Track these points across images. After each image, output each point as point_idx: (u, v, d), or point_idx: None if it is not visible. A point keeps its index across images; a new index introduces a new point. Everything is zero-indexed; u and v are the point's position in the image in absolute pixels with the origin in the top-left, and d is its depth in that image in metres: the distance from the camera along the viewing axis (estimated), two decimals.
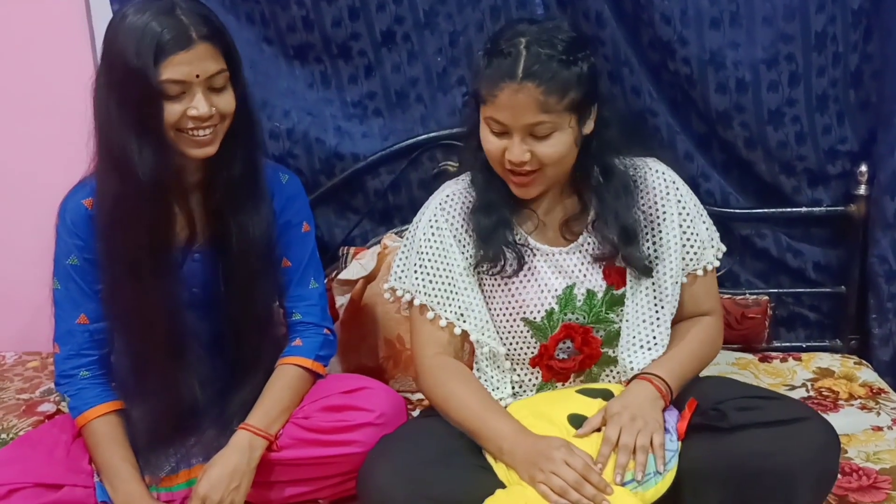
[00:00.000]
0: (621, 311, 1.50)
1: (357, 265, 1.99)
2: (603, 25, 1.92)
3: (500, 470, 1.35)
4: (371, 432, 1.48)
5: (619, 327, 1.50)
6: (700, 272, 1.53)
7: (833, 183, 2.02)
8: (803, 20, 1.86)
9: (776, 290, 2.09)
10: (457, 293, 1.49)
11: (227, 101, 1.42)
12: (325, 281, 1.73)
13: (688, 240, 1.51)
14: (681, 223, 1.50)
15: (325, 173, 2.07)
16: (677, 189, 1.51)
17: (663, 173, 1.52)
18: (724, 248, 1.57)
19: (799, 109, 1.93)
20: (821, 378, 1.95)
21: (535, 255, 1.50)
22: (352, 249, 2.06)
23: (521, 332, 1.50)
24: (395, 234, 2.04)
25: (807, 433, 1.31)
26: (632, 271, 1.49)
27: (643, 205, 1.50)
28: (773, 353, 2.07)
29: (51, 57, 2.09)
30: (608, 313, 1.50)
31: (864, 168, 1.96)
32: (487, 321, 1.50)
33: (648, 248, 1.50)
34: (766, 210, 2.04)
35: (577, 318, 1.49)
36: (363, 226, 2.12)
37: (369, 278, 1.96)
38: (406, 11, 1.95)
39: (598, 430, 1.37)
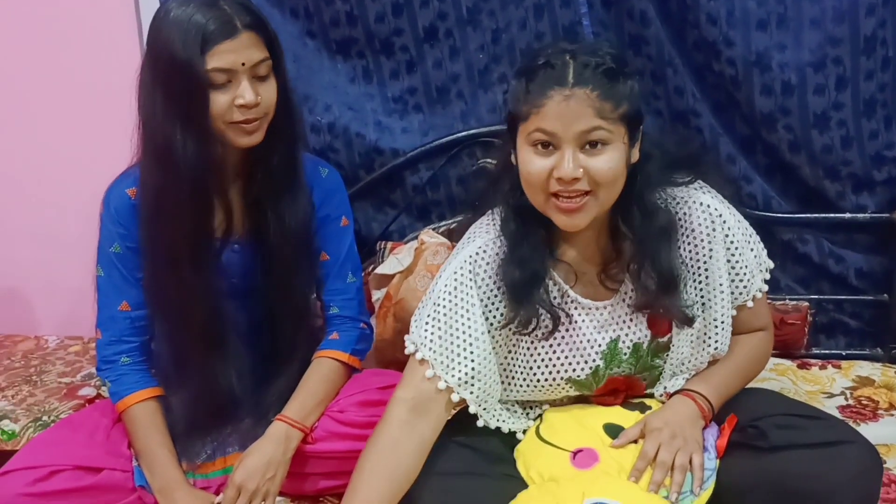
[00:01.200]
0: (667, 355, 1.43)
1: (394, 260, 2.00)
2: (647, 24, 1.90)
3: (529, 478, 1.34)
4: None
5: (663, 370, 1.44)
6: (750, 303, 1.44)
7: (878, 189, 1.98)
8: (852, 23, 1.83)
9: (817, 297, 2.05)
10: (465, 358, 1.34)
11: (270, 90, 1.44)
12: (363, 275, 1.74)
13: (737, 274, 1.40)
14: (728, 258, 1.39)
15: (365, 168, 2.07)
16: (724, 222, 1.37)
17: (708, 206, 1.37)
18: (771, 265, 1.47)
19: (845, 113, 1.90)
20: (860, 387, 1.92)
21: (575, 309, 1.39)
22: (389, 244, 2.07)
23: (564, 388, 1.43)
24: (433, 229, 2.04)
25: (849, 457, 1.27)
26: (674, 322, 1.39)
27: (687, 246, 1.38)
28: (812, 360, 2.04)
29: (99, 48, 2.13)
30: (654, 360, 1.43)
31: None
32: (493, 394, 1.39)
33: (694, 292, 1.39)
34: (808, 215, 2.01)
35: (623, 371, 1.42)
36: (401, 221, 2.13)
37: (406, 273, 1.96)
38: (449, 7, 1.95)
39: (635, 442, 1.34)
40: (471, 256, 1.37)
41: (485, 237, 1.38)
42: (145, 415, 1.52)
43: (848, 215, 1.99)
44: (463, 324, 1.35)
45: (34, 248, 2.30)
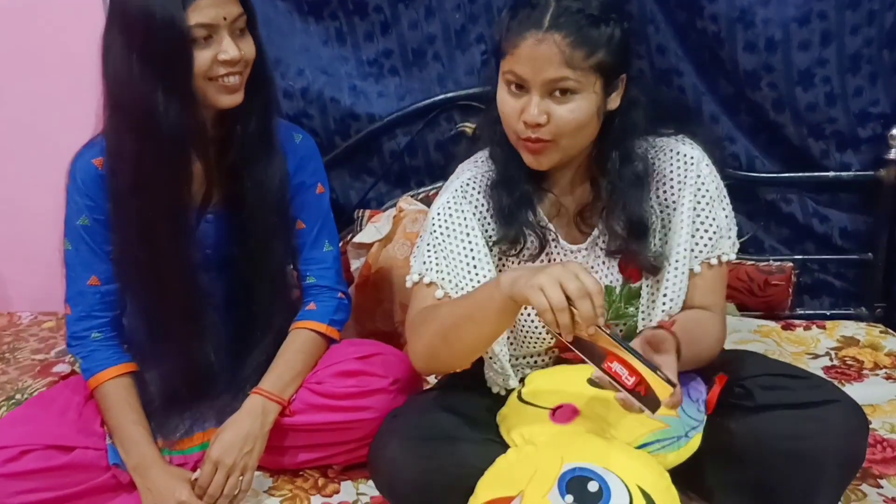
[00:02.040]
0: (639, 302, 1.42)
1: (372, 228, 1.96)
2: None
3: (511, 440, 1.33)
4: (384, 398, 1.47)
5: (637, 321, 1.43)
6: (714, 261, 1.40)
7: (863, 147, 1.96)
8: None
9: (801, 257, 2.04)
10: (474, 269, 1.38)
11: (250, 46, 1.42)
12: (340, 244, 1.70)
13: (702, 223, 1.39)
14: (695, 206, 1.38)
15: (340, 134, 2.03)
16: (699, 172, 1.38)
17: (685, 155, 1.38)
18: (738, 244, 1.44)
19: (830, 70, 1.87)
20: (845, 347, 1.91)
21: (553, 249, 1.42)
22: (367, 212, 2.04)
23: (536, 326, 1.43)
24: (411, 196, 2.01)
25: (835, 417, 1.26)
26: (641, 269, 1.39)
27: (659, 193, 1.39)
28: (797, 321, 2.04)
29: (59, 12, 2.07)
30: (627, 307, 1.43)
31: (895, 132, 1.90)
32: None
33: (658, 244, 1.39)
34: (793, 174, 1.99)
35: None
36: (379, 188, 2.09)
37: (385, 242, 1.93)
38: None
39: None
40: (462, 185, 1.41)
41: (473, 169, 1.43)
42: (118, 391, 1.49)
43: (832, 174, 1.98)
44: (463, 242, 1.39)
45: (5, 222, 2.26)
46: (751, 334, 1.96)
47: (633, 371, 1.11)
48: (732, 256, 1.42)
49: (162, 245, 1.44)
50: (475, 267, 1.38)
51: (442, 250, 1.39)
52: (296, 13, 1.98)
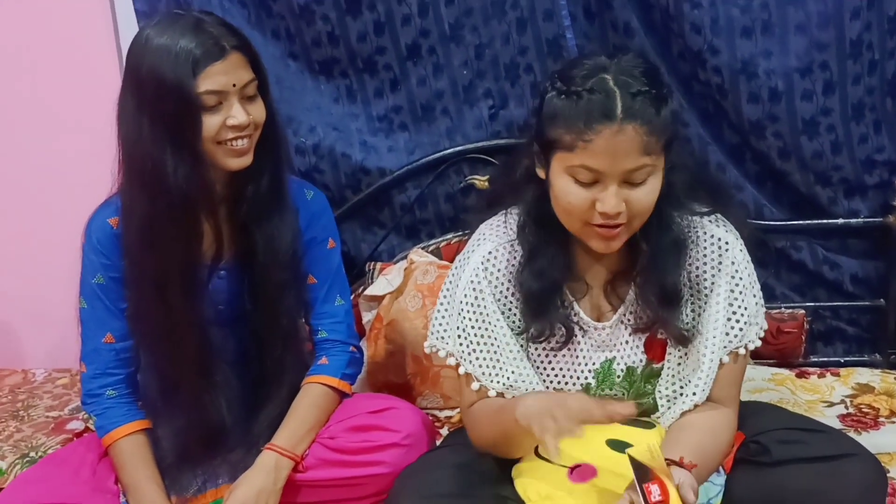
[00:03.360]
0: (657, 381, 1.39)
1: (384, 280, 1.97)
2: (631, 35, 1.89)
3: (527, 498, 1.32)
4: (398, 453, 1.47)
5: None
6: (742, 350, 1.36)
7: (870, 193, 1.97)
8: (838, 28, 1.81)
9: (813, 304, 2.03)
10: (504, 365, 1.36)
11: (259, 110, 1.44)
12: (352, 297, 1.71)
13: (734, 312, 1.35)
14: (728, 295, 1.34)
15: (352, 188, 2.06)
16: (733, 259, 1.34)
17: (719, 239, 1.34)
18: (766, 326, 1.40)
19: (834, 118, 1.88)
20: (860, 394, 1.89)
21: (576, 325, 1.38)
22: (378, 265, 2.05)
23: (564, 388, 1.41)
24: (422, 248, 2.02)
25: (853, 471, 1.25)
26: (669, 340, 1.36)
27: (691, 270, 1.35)
28: (811, 369, 2.02)
29: (78, 74, 2.11)
30: (646, 386, 1.40)
31: None
32: (540, 387, 1.38)
33: (689, 317, 1.35)
34: (801, 222, 1.99)
35: (616, 394, 1.39)
36: (390, 241, 2.11)
37: (396, 294, 1.94)
38: (431, 24, 1.94)
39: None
40: (483, 261, 1.37)
41: (495, 240, 1.38)
42: (132, 448, 1.49)
43: (841, 221, 1.98)
44: (492, 335, 1.36)
45: (20, 279, 2.28)
46: (765, 382, 1.94)
47: (665, 492, 1.12)
48: (758, 343, 1.38)
49: (175, 301, 1.45)
50: (506, 359, 1.37)
51: (472, 340, 1.37)
52: (307, 72, 2.01)
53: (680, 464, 1.21)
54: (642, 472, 1.14)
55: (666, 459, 1.19)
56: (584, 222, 1.25)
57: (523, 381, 1.36)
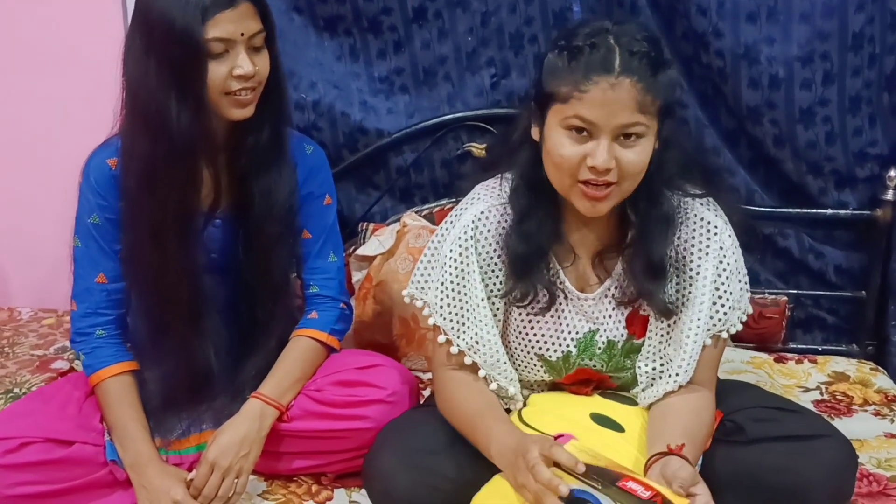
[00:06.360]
0: (637, 357, 1.41)
1: (375, 241, 1.99)
2: (637, 13, 1.89)
3: None
4: (382, 409, 1.48)
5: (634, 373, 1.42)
6: (724, 334, 1.37)
7: (860, 186, 1.99)
8: (841, 19, 1.83)
9: (795, 291, 2.07)
10: (470, 324, 1.38)
11: (265, 62, 1.44)
12: (344, 256, 1.73)
13: (720, 297, 1.35)
14: (715, 279, 1.35)
15: (349, 148, 2.06)
16: (721, 244, 1.35)
17: (709, 222, 1.35)
18: (750, 311, 1.41)
19: (831, 109, 1.90)
20: (835, 382, 1.93)
21: (562, 293, 1.39)
22: (371, 225, 2.06)
23: (535, 365, 1.44)
24: (415, 212, 2.03)
25: (824, 451, 1.28)
26: (653, 313, 1.37)
27: (679, 248, 1.35)
28: (789, 355, 2.05)
29: (79, 15, 2.09)
30: (625, 360, 1.42)
31: (892, 173, 1.94)
32: (500, 358, 1.39)
33: (671, 293, 1.36)
34: (790, 210, 2.02)
35: (595, 365, 1.42)
36: (383, 202, 2.12)
37: (387, 255, 1.96)
38: None
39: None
40: (473, 220, 1.37)
41: (488, 201, 1.39)
42: (119, 389, 1.50)
43: (829, 211, 2.01)
44: (465, 293, 1.38)
45: (10, 217, 2.27)
46: (743, 365, 1.98)
47: (648, 486, 1.12)
48: (740, 326, 1.39)
49: (169, 246, 1.46)
50: (473, 319, 1.38)
51: (448, 294, 1.38)
52: (311, 27, 2.01)
53: (669, 452, 1.21)
54: (607, 477, 1.13)
55: (657, 454, 1.21)
56: (574, 180, 1.26)
57: (484, 346, 1.37)
